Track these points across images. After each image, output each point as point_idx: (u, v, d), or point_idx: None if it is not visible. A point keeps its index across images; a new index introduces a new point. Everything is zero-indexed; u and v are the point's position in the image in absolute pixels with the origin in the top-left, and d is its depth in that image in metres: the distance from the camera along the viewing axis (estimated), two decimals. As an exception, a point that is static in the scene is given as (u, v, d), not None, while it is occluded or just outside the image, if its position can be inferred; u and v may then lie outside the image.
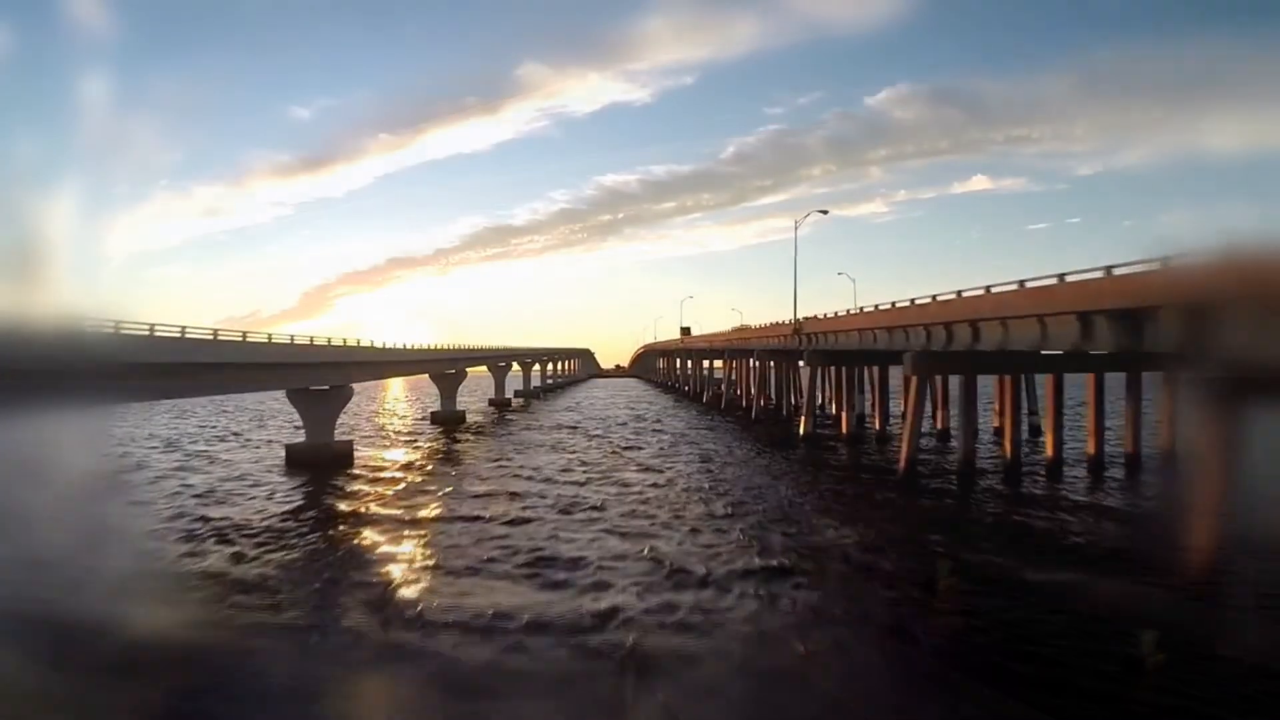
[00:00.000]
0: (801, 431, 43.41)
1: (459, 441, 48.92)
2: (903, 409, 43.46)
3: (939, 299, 28.53)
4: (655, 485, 29.94)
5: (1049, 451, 30.64)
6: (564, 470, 34.18)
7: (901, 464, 30.08)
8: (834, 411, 51.43)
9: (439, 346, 60.75)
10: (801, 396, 49.21)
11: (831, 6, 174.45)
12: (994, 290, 24.37)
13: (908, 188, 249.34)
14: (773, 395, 64.33)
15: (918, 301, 30.47)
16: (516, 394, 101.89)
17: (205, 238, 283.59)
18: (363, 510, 25.84)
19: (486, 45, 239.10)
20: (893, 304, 33.20)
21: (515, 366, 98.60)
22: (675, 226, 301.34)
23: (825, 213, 44.31)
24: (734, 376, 74.81)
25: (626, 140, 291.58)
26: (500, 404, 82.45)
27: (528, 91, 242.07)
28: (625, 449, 42.11)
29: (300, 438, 38.32)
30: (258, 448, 44.20)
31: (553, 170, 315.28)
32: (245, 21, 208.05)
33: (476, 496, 27.94)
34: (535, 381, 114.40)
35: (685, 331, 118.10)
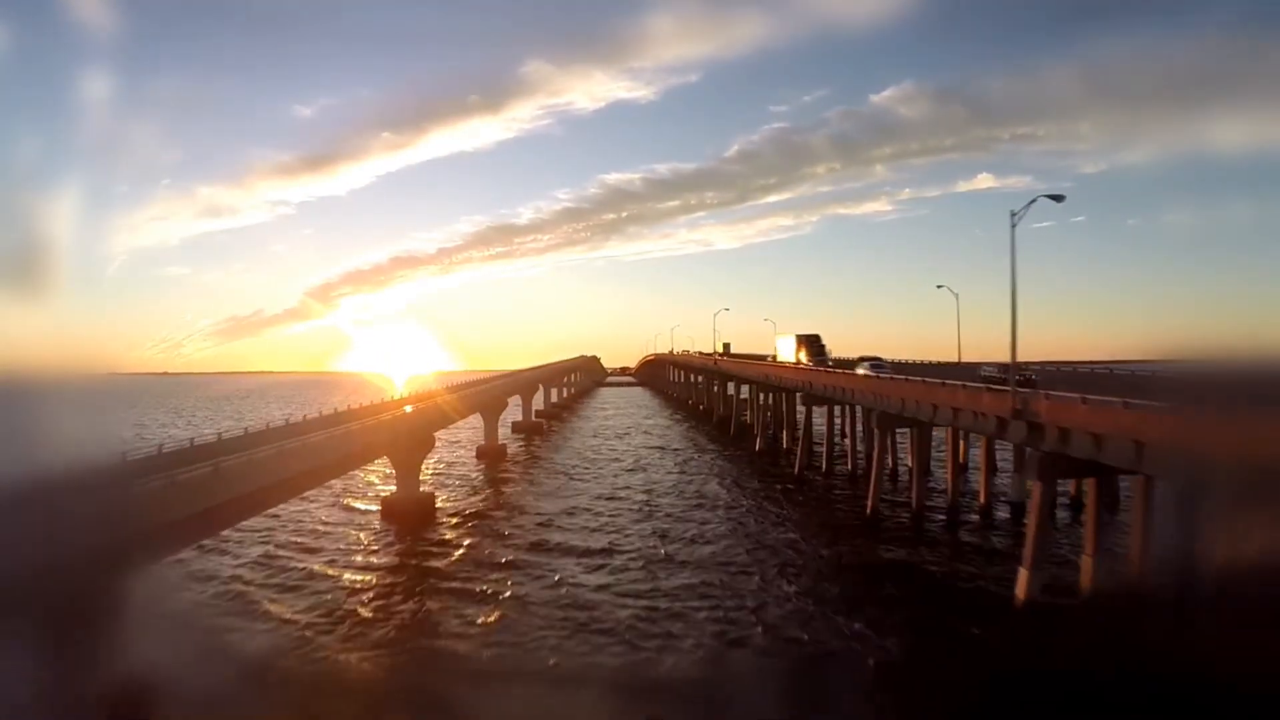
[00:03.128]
0: (1021, 593, 24.16)
1: (422, 575, 29.62)
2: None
3: None
4: None
5: None
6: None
7: None
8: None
9: (396, 398, 41.26)
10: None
11: (836, 4, 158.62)
12: None
13: (912, 186, 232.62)
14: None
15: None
16: (515, 427, 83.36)
17: (207, 237, 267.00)
18: None
19: (490, 43, 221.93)
20: None
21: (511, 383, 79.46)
22: (679, 225, 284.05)
23: (1060, 199, 24.95)
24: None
25: (630, 139, 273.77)
26: (492, 454, 62.91)
27: (531, 90, 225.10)
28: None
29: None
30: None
31: (556, 169, 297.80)
32: (247, 20, 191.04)
33: None
34: (539, 404, 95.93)
35: (812, 344, 67.04)
